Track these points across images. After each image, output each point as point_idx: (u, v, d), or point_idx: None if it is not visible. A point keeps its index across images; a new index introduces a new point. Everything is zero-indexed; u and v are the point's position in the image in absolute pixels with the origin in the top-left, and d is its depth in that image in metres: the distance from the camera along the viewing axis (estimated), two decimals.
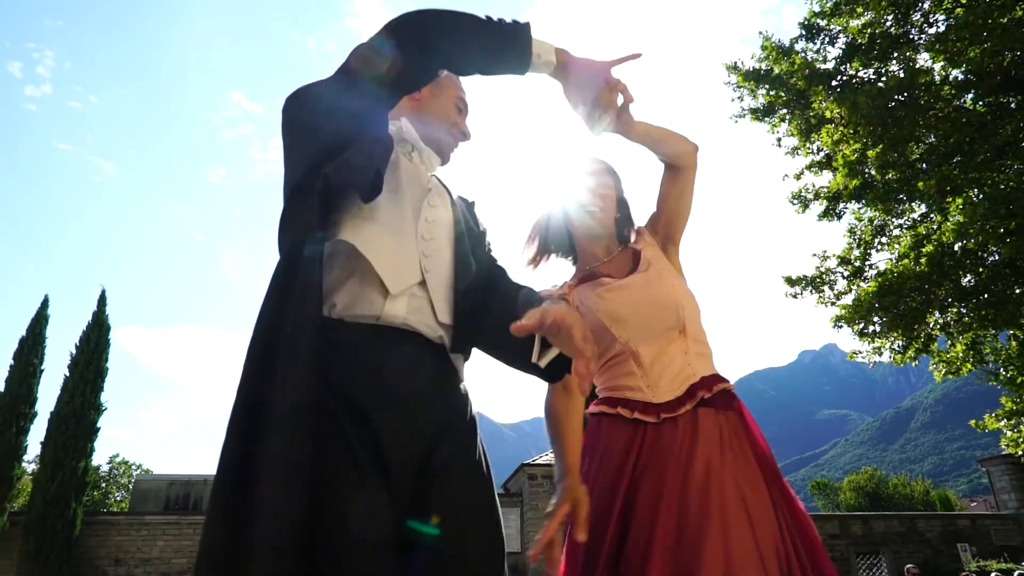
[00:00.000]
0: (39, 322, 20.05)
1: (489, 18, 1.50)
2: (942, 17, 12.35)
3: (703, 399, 1.82)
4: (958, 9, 11.41)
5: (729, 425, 1.80)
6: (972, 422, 14.74)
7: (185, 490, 25.83)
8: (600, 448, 1.90)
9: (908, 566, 10.52)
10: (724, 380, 1.90)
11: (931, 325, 13.91)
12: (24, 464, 19.47)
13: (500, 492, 21.77)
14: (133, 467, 41.45)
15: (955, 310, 13.73)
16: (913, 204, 13.75)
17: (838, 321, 14.15)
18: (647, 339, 1.91)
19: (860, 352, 14.65)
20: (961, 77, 11.79)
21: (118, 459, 41.42)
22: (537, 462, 20.66)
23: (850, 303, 13.94)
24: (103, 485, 38.48)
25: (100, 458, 50.65)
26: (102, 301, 20.49)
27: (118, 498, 38.22)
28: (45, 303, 20.53)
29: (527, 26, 1.51)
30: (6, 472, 18.09)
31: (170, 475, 27.63)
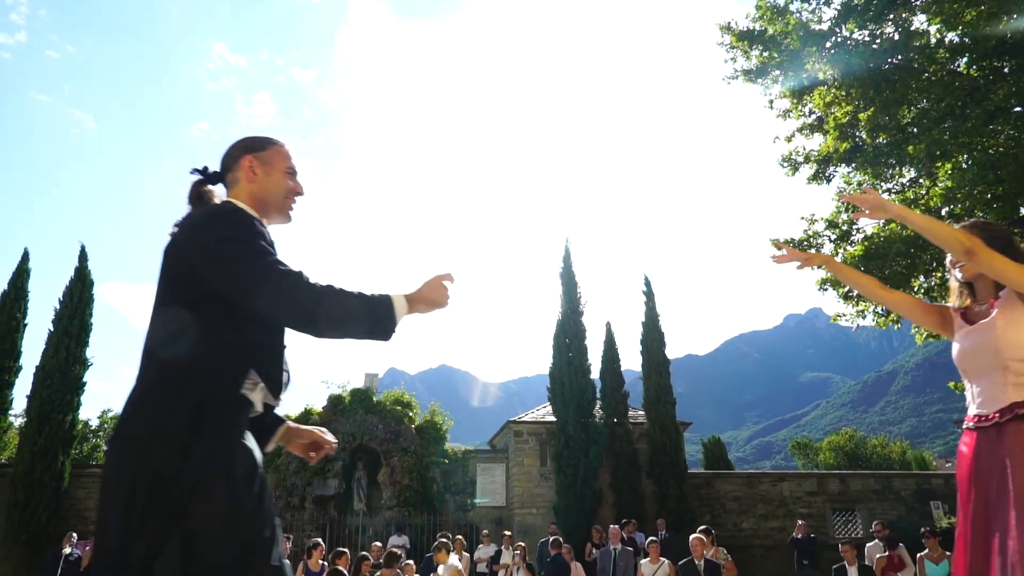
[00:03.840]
0: (20, 276, 19.84)
1: (369, 305, 1.88)
2: None
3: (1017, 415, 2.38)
4: None
5: None
6: (951, 384, 14.99)
7: None
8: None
9: (876, 523, 10.81)
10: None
11: (915, 289, 14.05)
12: (11, 418, 19.47)
13: (486, 448, 22.07)
14: None
15: (939, 274, 13.86)
16: (903, 169, 13.73)
17: (823, 284, 14.26)
18: (975, 373, 2.60)
19: (844, 315, 14.82)
20: (956, 40, 11.66)
21: (110, 414, 41.54)
22: (522, 419, 20.91)
23: None
24: (93, 439, 38.60)
25: (90, 412, 50.66)
26: (83, 257, 20.26)
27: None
28: (26, 257, 20.28)
29: (390, 308, 1.91)
30: None
31: None
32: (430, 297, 2.03)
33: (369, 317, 1.87)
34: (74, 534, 12.80)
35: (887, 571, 9.15)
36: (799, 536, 14.04)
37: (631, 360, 21.54)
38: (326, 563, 9.49)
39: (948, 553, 8.81)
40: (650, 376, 20.46)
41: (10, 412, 19.04)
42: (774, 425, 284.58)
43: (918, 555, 9.16)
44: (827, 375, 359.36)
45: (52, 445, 17.90)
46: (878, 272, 13.53)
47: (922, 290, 14.21)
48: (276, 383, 1.95)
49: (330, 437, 2.28)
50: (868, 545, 10.45)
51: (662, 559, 9.26)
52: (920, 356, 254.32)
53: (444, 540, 8.65)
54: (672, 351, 21.31)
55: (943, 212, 12.72)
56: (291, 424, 2.18)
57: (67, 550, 12.22)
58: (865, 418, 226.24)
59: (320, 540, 10.42)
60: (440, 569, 8.33)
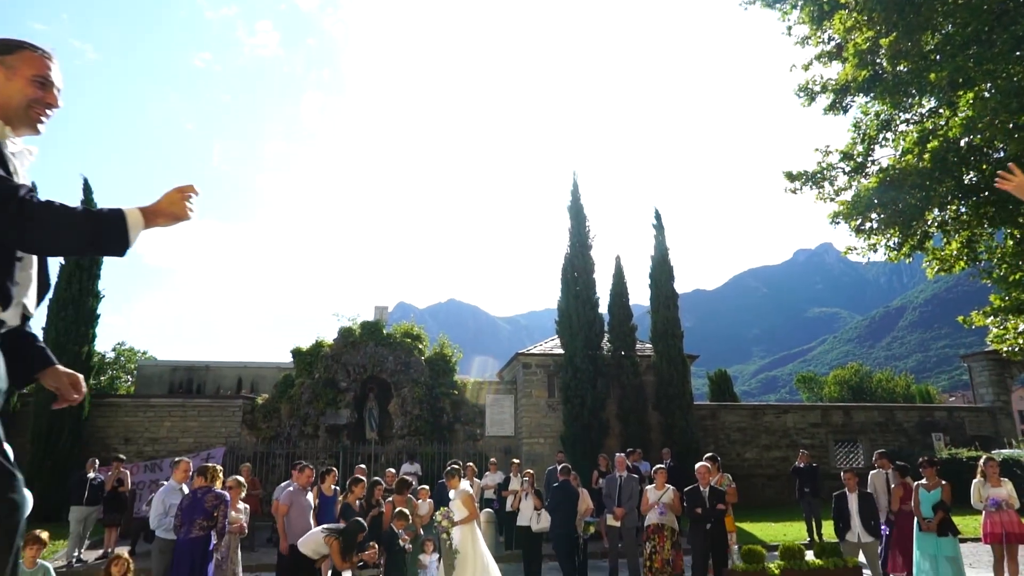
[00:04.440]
0: None
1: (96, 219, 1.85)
2: None
3: None
4: None
5: None
6: (960, 318, 14.99)
7: (188, 375, 26.51)
8: None
9: (877, 453, 10.99)
10: None
11: (929, 223, 13.86)
12: None
13: (495, 380, 22.39)
14: (138, 354, 42.39)
15: (954, 208, 13.64)
16: (922, 99, 13.34)
17: (835, 217, 14.08)
18: None
19: (855, 249, 14.68)
20: None
21: (123, 346, 42.32)
22: (531, 352, 21.14)
23: (849, 199, 13.82)
24: (109, 371, 39.46)
25: (104, 345, 51.54)
26: (87, 190, 20.21)
27: (126, 383, 39.26)
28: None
29: (121, 220, 1.87)
30: None
31: (172, 361, 28.28)
32: (169, 211, 1.98)
33: (91, 227, 1.83)
34: (96, 460, 13.20)
35: (905, 501, 9.27)
36: (801, 465, 14.32)
37: (639, 295, 21.52)
38: (339, 488, 9.81)
39: (943, 482, 8.99)
40: (658, 309, 20.52)
41: None
42: (780, 360, 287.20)
43: (914, 483, 9.35)
44: (835, 310, 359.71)
45: None
46: (892, 205, 13.34)
47: (936, 223, 14.03)
48: (5, 296, 1.91)
49: (83, 390, 2.35)
50: (872, 473, 10.64)
51: (667, 486, 9.48)
52: (929, 292, 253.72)
53: (455, 467, 8.87)
54: (681, 286, 21.28)
55: (962, 143, 12.43)
56: (60, 368, 2.26)
57: (91, 475, 12.63)
58: (871, 353, 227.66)
59: (333, 467, 10.73)
60: (451, 494, 8.57)
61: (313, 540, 7.56)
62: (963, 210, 13.62)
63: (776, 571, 7.67)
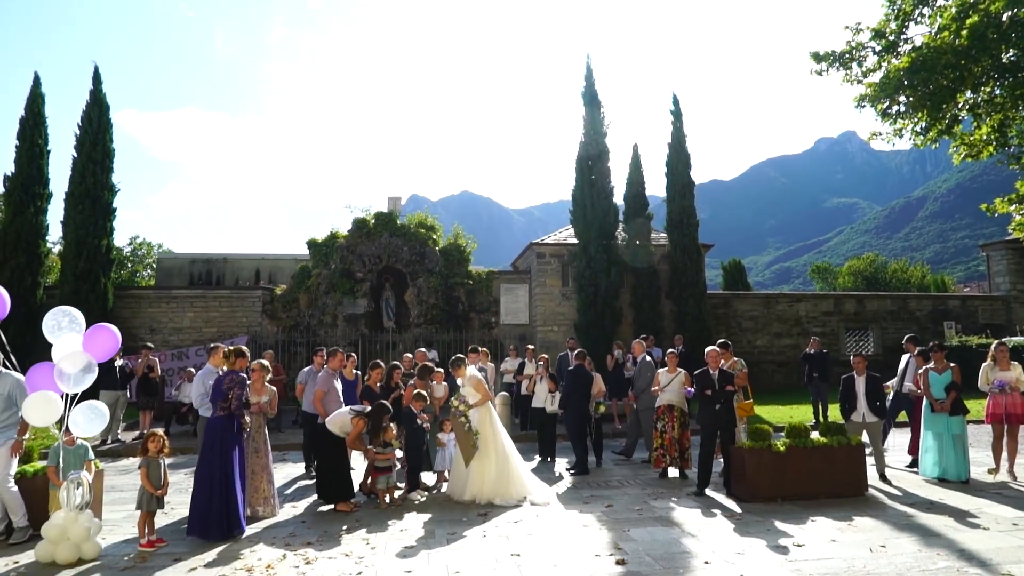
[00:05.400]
0: (35, 101, 19.54)
1: None
2: None
3: None
4: None
5: None
6: (983, 206, 14.72)
7: (206, 267, 26.91)
8: None
9: (908, 335, 11.12)
10: None
11: (959, 105, 13.33)
12: (48, 244, 20.08)
13: (509, 270, 22.54)
14: (155, 247, 42.89)
15: (988, 89, 13.07)
16: None
17: (862, 101, 13.57)
18: None
19: (880, 135, 14.25)
20: None
21: (139, 240, 42.74)
22: (545, 241, 21.13)
23: (878, 80, 13.25)
24: (128, 265, 40.08)
25: (119, 240, 52.10)
26: (96, 79, 19.78)
27: (145, 276, 39.97)
28: (37, 82, 19.83)
29: None
30: (33, 249, 18.75)
31: (190, 254, 28.64)
32: None
33: None
34: (121, 348, 13.67)
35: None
36: (811, 351, 14.54)
37: (655, 186, 21.25)
38: (359, 372, 10.13)
39: (952, 364, 9.13)
40: (674, 198, 20.26)
41: (47, 238, 19.60)
42: (795, 251, 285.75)
43: (922, 368, 9.49)
44: (854, 201, 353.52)
45: (93, 268, 18.62)
46: (923, 87, 12.79)
47: (967, 106, 13.48)
48: None
49: None
50: (904, 356, 10.74)
51: (679, 369, 9.70)
52: (953, 181, 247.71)
53: (460, 356, 9.03)
54: (697, 175, 20.91)
55: (1004, 17, 11.73)
56: None
57: (119, 362, 13.13)
58: (888, 244, 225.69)
59: (353, 353, 11.03)
60: (459, 382, 8.83)
61: (340, 419, 7.90)
62: (998, 91, 13.05)
63: (782, 448, 7.95)
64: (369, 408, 8.09)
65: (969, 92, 13.16)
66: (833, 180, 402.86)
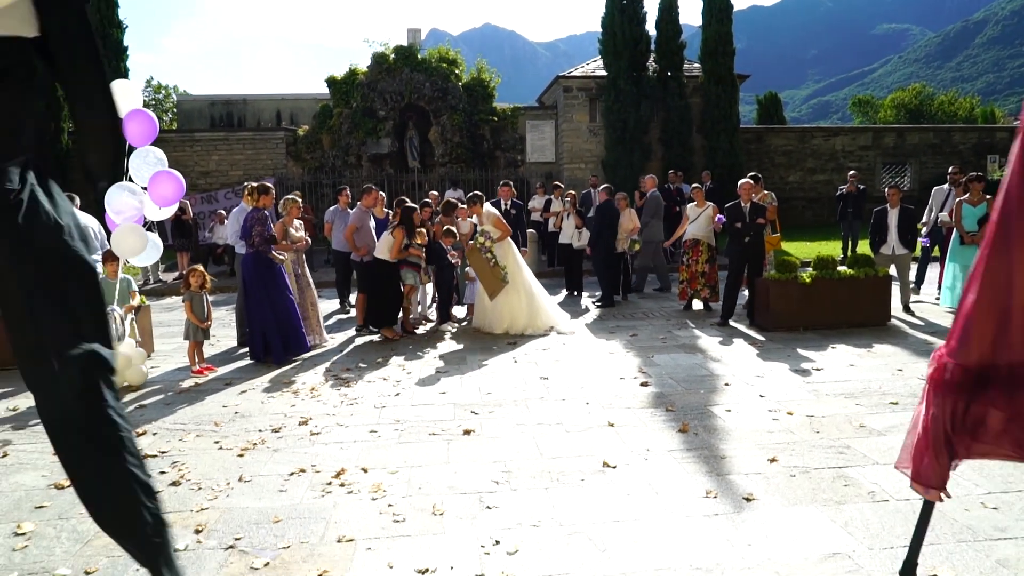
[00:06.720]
0: None
1: None
2: None
3: None
4: None
5: None
6: None
7: (226, 109, 26.48)
8: None
9: (952, 168, 10.76)
10: None
11: None
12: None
13: (535, 105, 21.84)
14: (172, 90, 42.06)
15: None
16: None
17: None
18: None
19: None
20: None
21: (155, 82, 41.84)
22: (572, 74, 20.23)
23: None
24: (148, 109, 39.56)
25: (135, 84, 50.92)
26: None
27: (166, 121, 39.61)
28: None
29: None
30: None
31: (209, 96, 28.08)
32: None
33: None
34: None
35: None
36: (848, 191, 13.96)
37: (690, 14, 19.75)
38: (389, 210, 10.18)
39: (988, 196, 8.81)
40: (710, 23, 18.97)
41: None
42: (836, 83, 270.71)
43: (957, 199, 9.22)
44: (905, 27, 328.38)
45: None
46: None
47: None
48: None
49: None
50: (935, 188, 10.47)
51: (707, 203, 9.58)
52: (1019, 2, 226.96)
53: (477, 193, 8.97)
54: (737, 0, 19.39)
55: None
56: None
57: None
58: (938, 75, 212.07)
59: (382, 192, 11.01)
60: (474, 219, 8.83)
61: (384, 242, 8.08)
62: None
63: (807, 279, 7.98)
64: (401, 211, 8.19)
65: None
66: (883, 3, 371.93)
